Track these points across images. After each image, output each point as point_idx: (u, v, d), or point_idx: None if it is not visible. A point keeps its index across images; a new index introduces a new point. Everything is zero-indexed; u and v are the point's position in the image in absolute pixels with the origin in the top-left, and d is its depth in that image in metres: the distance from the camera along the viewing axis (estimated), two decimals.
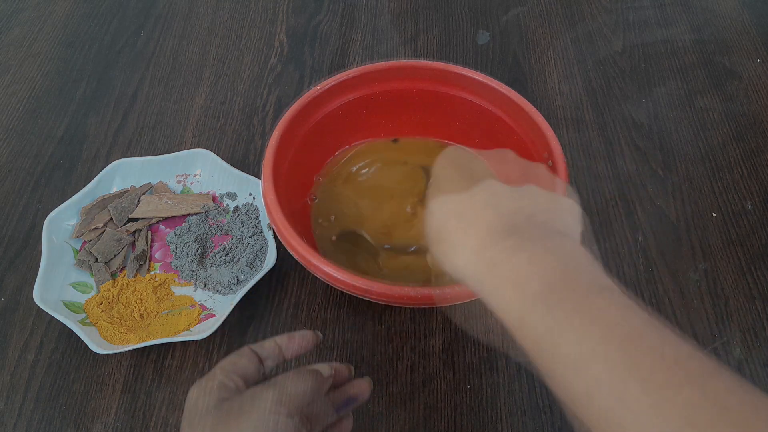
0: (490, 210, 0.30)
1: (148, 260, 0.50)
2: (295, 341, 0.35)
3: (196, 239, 0.51)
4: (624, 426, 0.22)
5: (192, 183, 0.55)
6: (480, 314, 0.49)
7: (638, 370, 0.21)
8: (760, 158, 0.59)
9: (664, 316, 0.48)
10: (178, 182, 0.55)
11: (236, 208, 0.53)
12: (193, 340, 0.47)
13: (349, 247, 0.50)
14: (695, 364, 0.22)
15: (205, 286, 0.49)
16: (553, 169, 0.45)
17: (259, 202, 0.53)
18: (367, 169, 0.55)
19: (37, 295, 0.45)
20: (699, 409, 0.20)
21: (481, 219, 0.29)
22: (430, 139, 0.57)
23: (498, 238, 0.28)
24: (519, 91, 0.50)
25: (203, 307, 0.48)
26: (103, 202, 0.51)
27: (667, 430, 0.20)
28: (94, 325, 0.46)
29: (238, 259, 0.50)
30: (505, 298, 0.26)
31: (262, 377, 0.34)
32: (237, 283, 0.48)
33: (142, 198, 0.52)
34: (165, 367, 0.46)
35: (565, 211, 0.31)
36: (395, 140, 0.54)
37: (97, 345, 0.43)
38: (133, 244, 0.51)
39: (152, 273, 0.50)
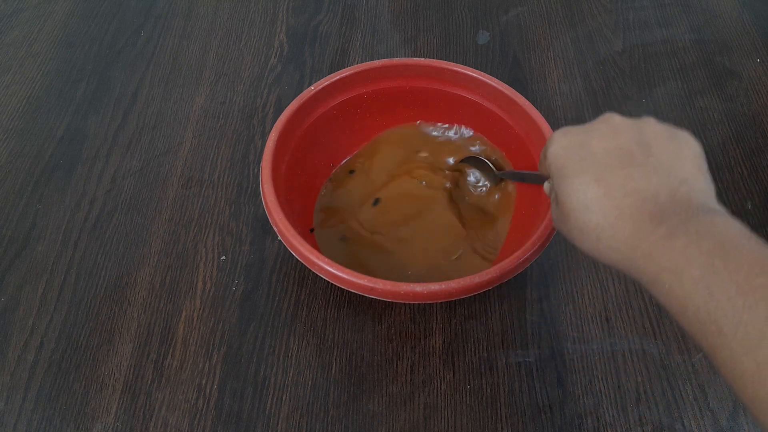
0: (617, 158, 0.30)
1: None
2: None
3: None
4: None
5: None
6: (480, 314, 0.49)
7: None
8: (760, 158, 0.59)
9: (664, 316, 0.48)
10: None
11: None
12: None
13: (351, 246, 0.50)
14: None
15: None
16: None
17: None
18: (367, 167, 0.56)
19: None
20: None
21: (613, 178, 0.30)
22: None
23: (647, 224, 0.28)
24: (519, 91, 0.50)
25: None
26: None
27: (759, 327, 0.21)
28: None
29: None
30: (666, 285, 0.26)
31: None
32: None
33: None
34: (165, 367, 0.46)
35: (685, 144, 0.32)
36: (375, 202, 0.54)
37: None
38: None
39: None
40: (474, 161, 0.54)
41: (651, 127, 0.32)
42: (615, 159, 0.30)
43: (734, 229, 0.26)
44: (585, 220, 0.30)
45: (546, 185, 0.39)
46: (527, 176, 0.48)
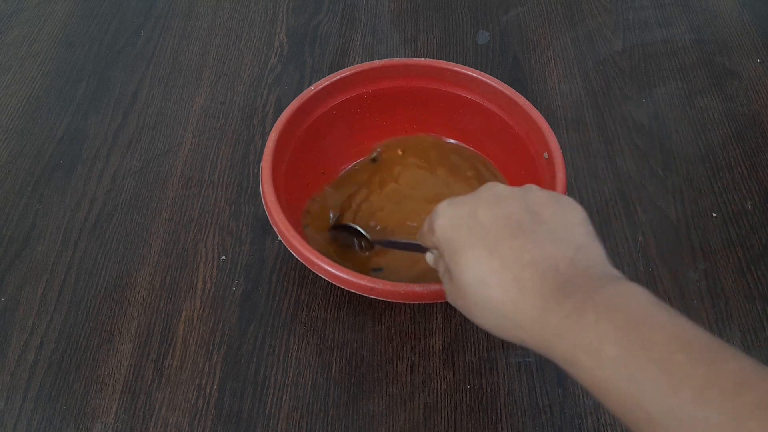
0: (507, 227, 0.29)
1: None
2: None
3: None
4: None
5: None
6: None
7: None
8: (760, 158, 0.59)
9: None
10: None
11: None
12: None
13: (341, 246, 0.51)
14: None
15: None
16: (549, 163, 0.45)
17: None
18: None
19: None
20: (708, 390, 0.20)
21: (506, 249, 0.28)
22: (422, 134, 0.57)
23: (553, 297, 0.26)
24: (519, 91, 0.50)
25: None
26: None
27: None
28: None
29: None
30: (583, 366, 0.25)
31: None
32: None
33: None
34: (165, 367, 0.46)
35: (570, 210, 0.31)
36: (374, 160, 0.54)
37: None
38: None
39: None
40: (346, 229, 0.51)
41: (535, 194, 0.31)
42: (505, 228, 0.29)
43: (642, 298, 0.25)
44: (484, 296, 0.28)
45: (428, 256, 0.37)
46: (405, 245, 0.44)
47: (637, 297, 0.25)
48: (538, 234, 0.29)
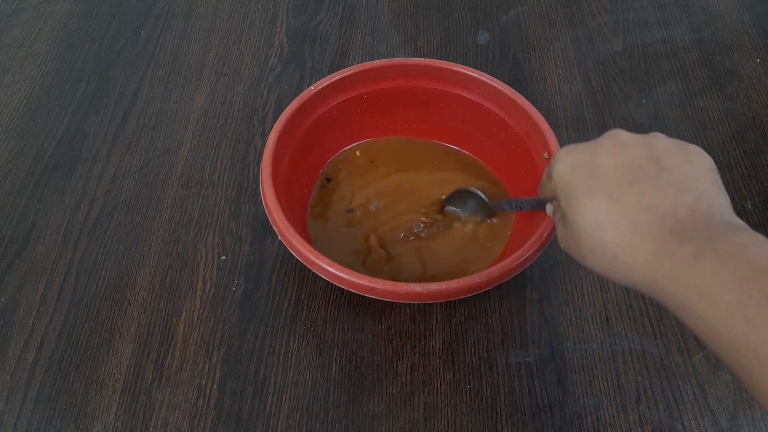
0: (627, 174, 0.29)
1: None
2: None
3: None
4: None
5: None
6: (480, 314, 0.49)
7: None
8: (760, 158, 0.59)
9: (664, 316, 0.48)
10: None
11: None
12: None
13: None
14: None
15: None
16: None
17: None
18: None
19: None
20: None
21: (626, 195, 0.28)
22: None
23: (669, 242, 0.27)
24: (519, 91, 0.50)
25: None
26: None
27: None
28: None
29: None
30: (695, 310, 0.25)
31: None
32: None
33: None
34: (165, 367, 0.46)
35: (697, 158, 0.30)
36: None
37: None
38: None
39: None
40: (463, 195, 0.50)
41: (660, 142, 0.31)
42: (626, 175, 0.29)
43: (763, 247, 0.25)
44: (598, 238, 0.29)
45: (548, 207, 0.37)
46: (525, 203, 0.45)
47: (758, 246, 0.25)
48: (660, 180, 0.29)
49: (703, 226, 0.27)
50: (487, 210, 0.50)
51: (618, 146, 0.31)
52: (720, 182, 0.30)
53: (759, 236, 0.26)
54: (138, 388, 0.45)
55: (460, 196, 0.51)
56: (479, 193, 0.49)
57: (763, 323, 0.23)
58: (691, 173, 0.29)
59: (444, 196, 0.52)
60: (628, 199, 0.29)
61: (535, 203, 0.38)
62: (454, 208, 0.51)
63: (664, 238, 0.27)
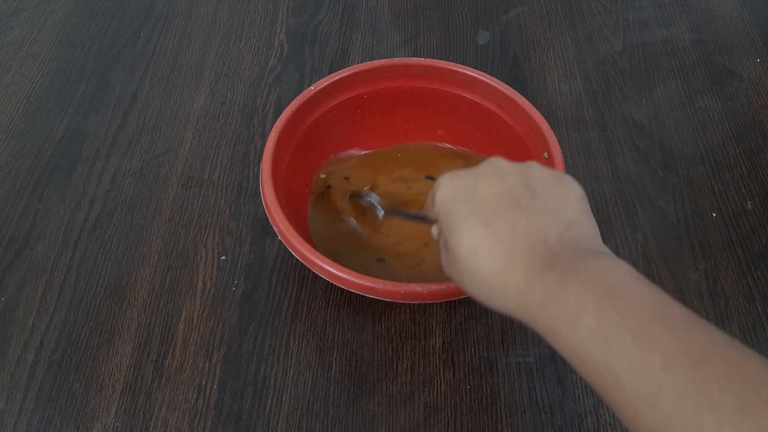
0: (503, 201, 0.30)
1: None
2: None
3: None
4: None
5: None
6: (480, 314, 0.49)
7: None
8: (760, 158, 0.59)
9: None
10: None
11: None
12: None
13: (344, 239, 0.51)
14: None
15: None
16: (550, 163, 0.45)
17: None
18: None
19: None
20: (677, 357, 0.21)
21: (501, 222, 0.29)
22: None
23: (538, 269, 0.27)
24: (519, 91, 0.51)
25: None
26: None
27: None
28: None
29: None
30: (562, 335, 0.26)
31: None
32: None
33: None
34: (165, 367, 0.46)
35: (569, 187, 0.31)
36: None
37: None
38: None
39: None
40: (361, 197, 0.52)
41: (535, 171, 0.32)
42: (501, 202, 0.30)
43: (625, 272, 0.26)
44: (475, 265, 0.29)
45: (433, 229, 0.37)
46: (415, 215, 0.45)
47: (619, 270, 0.26)
48: (533, 208, 0.29)
49: (570, 252, 0.27)
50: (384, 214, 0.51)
51: (496, 174, 0.32)
52: (589, 211, 0.31)
53: (620, 262, 0.27)
54: (138, 388, 0.45)
55: (358, 196, 0.52)
56: (371, 199, 0.51)
57: (621, 347, 0.23)
58: (563, 202, 0.30)
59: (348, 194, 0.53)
60: (503, 227, 0.29)
61: (424, 219, 0.39)
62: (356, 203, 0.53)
63: (535, 265, 0.27)
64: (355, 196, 0.52)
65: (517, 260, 0.28)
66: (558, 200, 0.30)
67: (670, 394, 0.21)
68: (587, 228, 0.30)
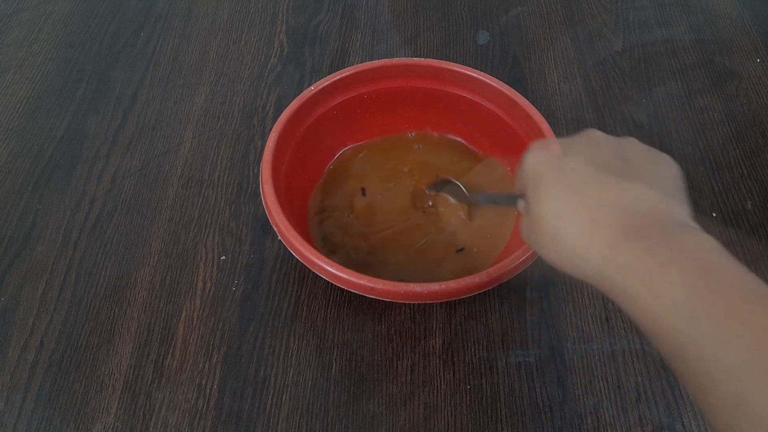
0: (594, 170, 0.30)
1: None
2: None
3: None
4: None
5: None
6: (480, 314, 0.49)
7: None
8: (760, 158, 0.59)
9: None
10: None
11: None
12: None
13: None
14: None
15: None
16: None
17: None
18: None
19: None
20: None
21: (589, 188, 0.29)
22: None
23: (624, 237, 0.27)
24: (519, 91, 0.51)
25: None
26: None
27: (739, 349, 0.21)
28: None
29: None
30: (643, 303, 0.26)
31: None
32: None
33: None
34: (165, 367, 0.46)
35: (665, 164, 0.31)
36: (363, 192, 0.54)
37: None
38: None
39: None
40: (445, 184, 0.52)
41: (632, 145, 0.32)
42: (592, 170, 0.30)
43: (716, 249, 0.26)
44: (558, 228, 0.29)
45: (520, 203, 0.37)
46: (501, 198, 0.45)
47: (711, 248, 0.26)
48: (625, 179, 0.29)
49: (660, 224, 0.27)
50: (467, 201, 0.51)
51: (590, 143, 0.32)
52: (683, 190, 0.31)
53: (711, 238, 0.27)
54: (138, 388, 0.45)
55: (442, 184, 0.52)
56: (458, 183, 0.51)
57: (709, 322, 0.23)
58: (657, 176, 0.30)
59: (426, 186, 0.53)
60: (591, 193, 0.29)
61: (509, 198, 0.39)
62: (439, 192, 0.53)
63: (621, 233, 0.27)
64: (438, 185, 0.52)
65: (603, 225, 0.28)
66: (652, 174, 0.30)
67: (755, 370, 0.21)
68: (680, 203, 0.29)
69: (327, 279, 0.41)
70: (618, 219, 0.28)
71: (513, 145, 0.52)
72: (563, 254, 0.29)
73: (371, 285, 0.39)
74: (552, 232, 0.30)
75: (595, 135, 0.33)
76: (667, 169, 0.31)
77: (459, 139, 0.57)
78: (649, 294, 0.25)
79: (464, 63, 0.57)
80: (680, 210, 0.29)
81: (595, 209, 0.28)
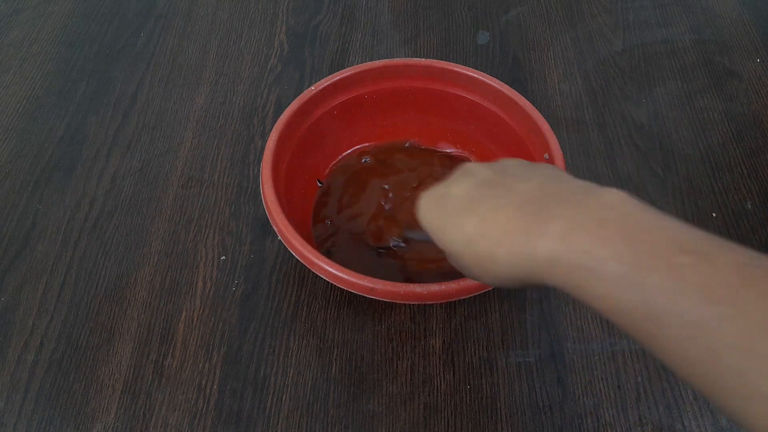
0: (477, 190, 0.30)
1: None
2: None
3: None
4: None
5: None
6: (480, 314, 0.49)
7: None
8: (760, 158, 0.59)
9: None
10: None
11: None
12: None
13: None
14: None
15: None
16: (549, 162, 0.46)
17: None
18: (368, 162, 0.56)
19: None
20: (716, 287, 0.21)
21: (481, 205, 0.29)
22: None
23: (536, 224, 0.26)
24: (519, 91, 0.50)
25: None
26: None
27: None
28: None
29: None
30: (588, 288, 0.24)
31: None
32: None
33: None
34: (165, 367, 0.46)
35: (544, 167, 0.32)
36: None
37: None
38: None
39: None
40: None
41: (506, 161, 0.33)
42: (475, 191, 0.30)
43: (628, 204, 0.25)
44: (475, 253, 0.29)
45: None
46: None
47: (621, 205, 0.25)
48: (507, 183, 0.30)
49: (558, 200, 0.27)
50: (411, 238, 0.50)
51: (465, 173, 0.33)
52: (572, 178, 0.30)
53: (616, 193, 0.26)
54: (138, 388, 0.45)
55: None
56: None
57: (654, 287, 0.22)
58: (541, 174, 0.30)
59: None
60: (484, 208, 0.29)
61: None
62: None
63: (531, 224, 0.27)
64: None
65: (508, 229, 0.27)
66: (531, 172, 0.31)
67: (715, 324, 0.21)
68: (563, 174, 0.30)
69: (327, 279, 0.41)
70: (519, 215, 0.27)
71: (513, 145, 0.52)
72: (495, 272, 0.29)
73: (371, 285, 0.39)
74: (475, 259, 0.29)
75: (467, 166, 0.33)
76: (549, 169, 0.31)
77: (449, 150, 0.57)
78: (588, 276, 0.24)
79: (464, 63, 0.57)
80: (567, 176, 0.29)
81: (495, 218, 0.28)
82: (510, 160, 0.33)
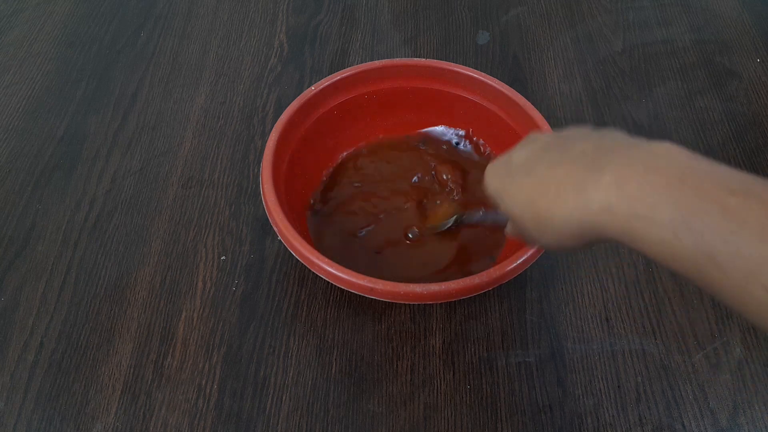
0: (536, 154, 0.32)
1: None
2: None
3: None
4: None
5: None
6: (480, 314, 0.49)
7: None
8: (760, 158, 0.59)
9: (664, 316, 0.48)
10: None
11: None
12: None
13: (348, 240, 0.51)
14: None
15: None
16: None
17: None
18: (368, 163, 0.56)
19: None
20: None
21: (539, 166, 0.31)
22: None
23: (589, 176, 0.27)
24: (519, 91, 0.51)
25: None
26: None
27: None
28: None
29: None
30: (641, 234, 0.25)
31: None
32: None
33: None
34: (165, 367, 0.46)
35: (606, 131, 0.32)
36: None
37: None
38: None
39: None
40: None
41: (568, 129, 0.34)
42: (535, 155, 0.32)
43: (680, 154, 0.25)
44: (535, 212, 0.30)
45: (508, 226, 0.38)
46: (487, 216, 0.48)
47: (670, 154, 0.26)
48: (565, 145, 0.31)
49: (612, 153, 0.27)
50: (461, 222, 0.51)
51: (528, 141, 0.34)
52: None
53: (666, 145, 0.26)
54: (138, 388, 0.45)
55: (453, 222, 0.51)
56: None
57: (709, 230, 0.23)
58: (596, 133, 0.31)
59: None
60: (541, 168, 0.30)
61: (493, 215, 0.40)
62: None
63: (585, 176, 0.27)
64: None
65: (564, 182, 0.28)
66: (591, 135, 0.31)
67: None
68: (622, 134, 0.30)
69: (327, 279, 0.41)
70: (574, 168, 0.28)
71: (513, 145, 0.51)
72: (551, 230, 0.29)
73: (371, 285, 0.39)
74: (532, 220, 0.30)
75: (531, 136, 0.35)
76: (609, 131, 0.31)
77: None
78: (642, 223, 0.25)
79: (464, 63, 0.57)
80: (622, 135, 0.30)
81: (551, 176, 0.29)
82: (573, 129, 0.33)
